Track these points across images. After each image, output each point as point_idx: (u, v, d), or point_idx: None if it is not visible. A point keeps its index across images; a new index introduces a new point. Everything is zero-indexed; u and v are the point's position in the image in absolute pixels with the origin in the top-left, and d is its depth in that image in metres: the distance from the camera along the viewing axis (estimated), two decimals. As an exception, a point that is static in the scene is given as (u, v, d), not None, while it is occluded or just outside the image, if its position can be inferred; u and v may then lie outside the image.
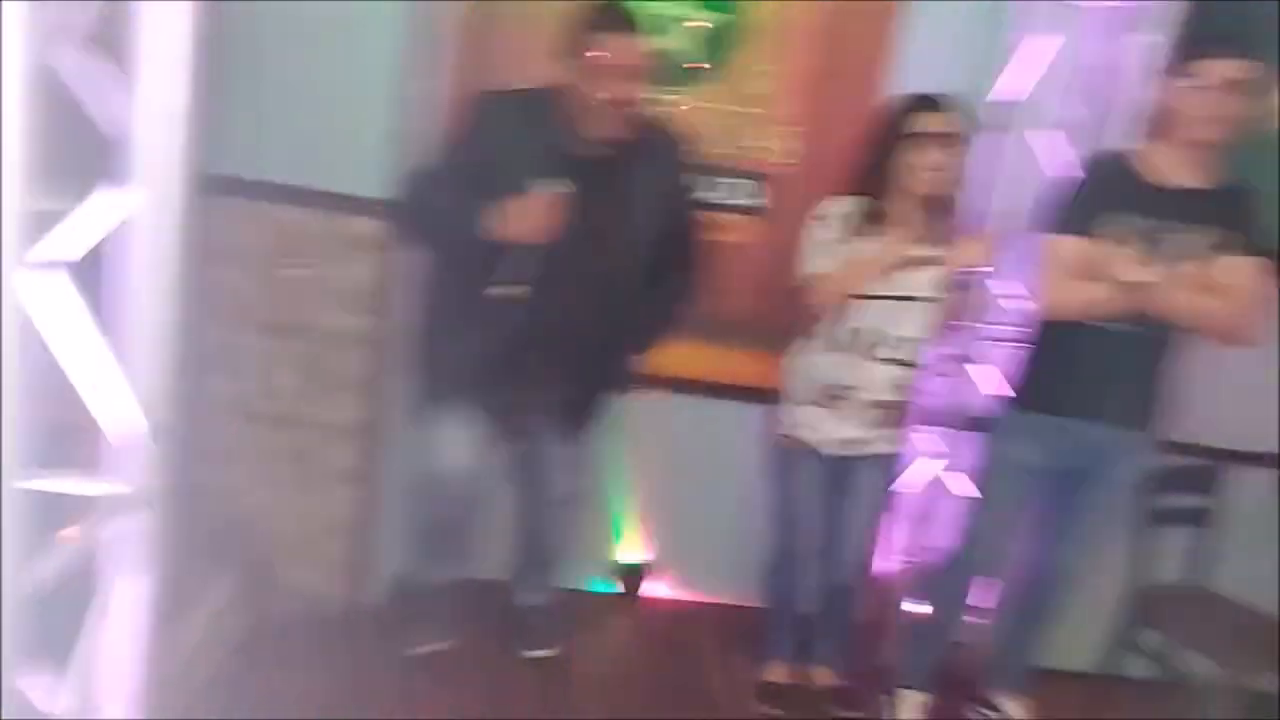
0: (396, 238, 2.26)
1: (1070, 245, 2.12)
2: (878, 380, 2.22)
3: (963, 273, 2.14)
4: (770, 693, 2.51)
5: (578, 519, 2.51)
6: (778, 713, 2.47)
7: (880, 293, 2.15)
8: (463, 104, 2.06)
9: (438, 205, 2.03)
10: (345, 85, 2.23)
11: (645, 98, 2.03)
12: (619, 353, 2.24)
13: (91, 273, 1.04)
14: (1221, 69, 1.96)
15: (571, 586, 2.65)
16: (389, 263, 2.37)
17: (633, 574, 2.88)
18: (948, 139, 2.06)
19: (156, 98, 0.99)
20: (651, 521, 2.83)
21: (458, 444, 2.22)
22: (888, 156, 2.11)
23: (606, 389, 2.29)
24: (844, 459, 2.29)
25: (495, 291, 1.97)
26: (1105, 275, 2.06)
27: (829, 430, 2.26)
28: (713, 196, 2.55)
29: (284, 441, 2.41)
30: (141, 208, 1.03)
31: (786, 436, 2.30)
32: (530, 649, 2.50)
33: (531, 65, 2.35)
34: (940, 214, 2.17)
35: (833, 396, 2.23)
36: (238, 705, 2.04)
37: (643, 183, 2.06)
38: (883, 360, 2.20)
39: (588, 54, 1.89)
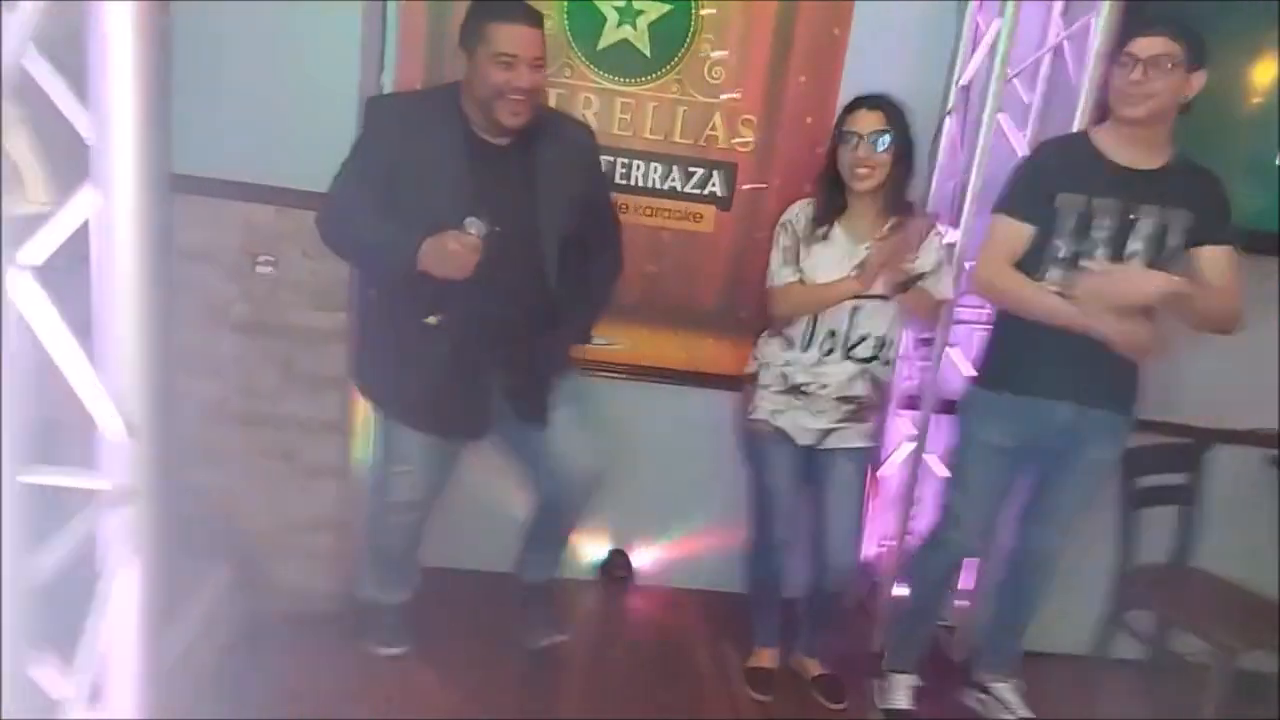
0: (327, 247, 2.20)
1: (1012, 228, 2.14)
2: (844, 376, 2.24)
3: (893, 273, 2.15)
4: (758, 678, 2.50)
5: (585, 496, 2.40)
6: (765, 698, 2.46)
7: None
8: (364, 110, 2.08)
9: (355, 228, 2.01)
10: (309, 84, 2.26)
11: (544, 86, 2.04)
12: (554, 345, 2.21)
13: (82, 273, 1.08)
14: (1147, 45, 2.00)
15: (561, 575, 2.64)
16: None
17: (617, 562, 2.88)
18: (876, 137, 2.11)
19: (114, 100, 1.02)
20: (632, 509, 2.83)
21: (413, 460, 2.21)
22: (835, 157, 2.18)
23: (553, 372, 2.24)
24: (818, 450, 2.31)
25: (427, 320, 2.01)
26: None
27: (802, 420, 2.28)
28: (677, 186, 2.59)
29: (264, 439, 2.43)
30: (105, 208, 1.05)
31: (759, 422, 2.31)
32: (532, 640, 2.48)
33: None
34: (892, 210, 2.20)
35: (803, 393, 2.26)
36: (229, 701, 2.04)
37: (556, 168, 2.05)
38: (848, 357, 2.24)
39: (490, 44, 1.89)
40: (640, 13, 2.46)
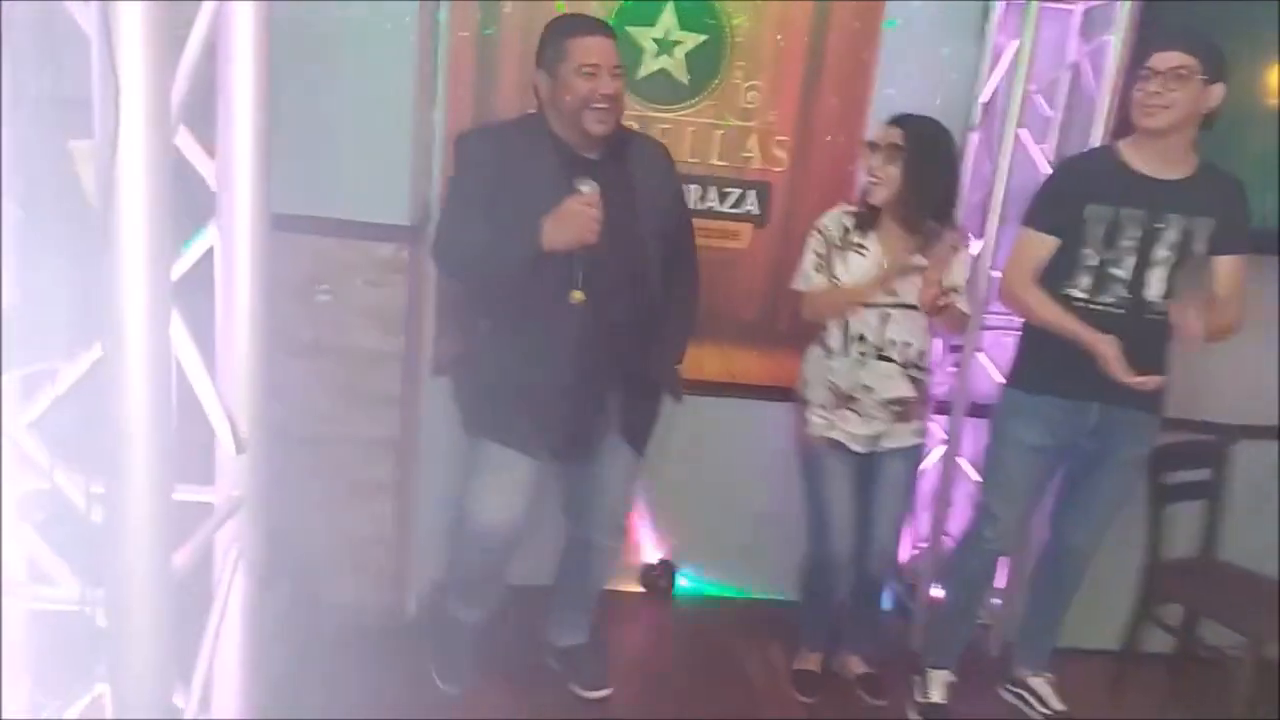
0: (450, 278, 2.36)
1: (1037, 240, 2.24)
2: (888, 380, 2.31)
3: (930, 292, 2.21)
4: (805, 681, 2.60)
5: (621, 541, 2.51)
6: (811, 700, 2.56)
7: (875, 302, 2.27)
8: (453, 148, 2.14)
9: (473, 246, 2.04)
10: (361, 121, 2.35)
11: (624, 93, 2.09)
12: (662, 359, 2.26)
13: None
14: (1164, 59, 2.09)
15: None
16: (414, 285, 2.52)
17: (659, 572, 2.98)
18: (889, 150, 2.21)
19: (236, 153, 1.14)
20: (675, 519, 2.94)
21: (507, 487, 2.20)
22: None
23: (658, 397, 2.30)
24: (870, 454, 2.39)
25: (571, 299, 2.02)
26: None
27: (854, 428, 2.35)
28: (715, 205, 2.70)
29: (323, 458, 2.54)
30: (226, 245, 1.17)
31: (815, 437, 2.38)
32: (585, 688, 2.47)
33: (532, 94, 2.56)
34: (911, 227, 2.26)
35: (851, 398, 2.33)
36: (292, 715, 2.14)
37: (644, 181, 2.13)
38: (888, 361, 2.30)
39: (572, 58, 1.97)
40: (677, 43, 2.58)
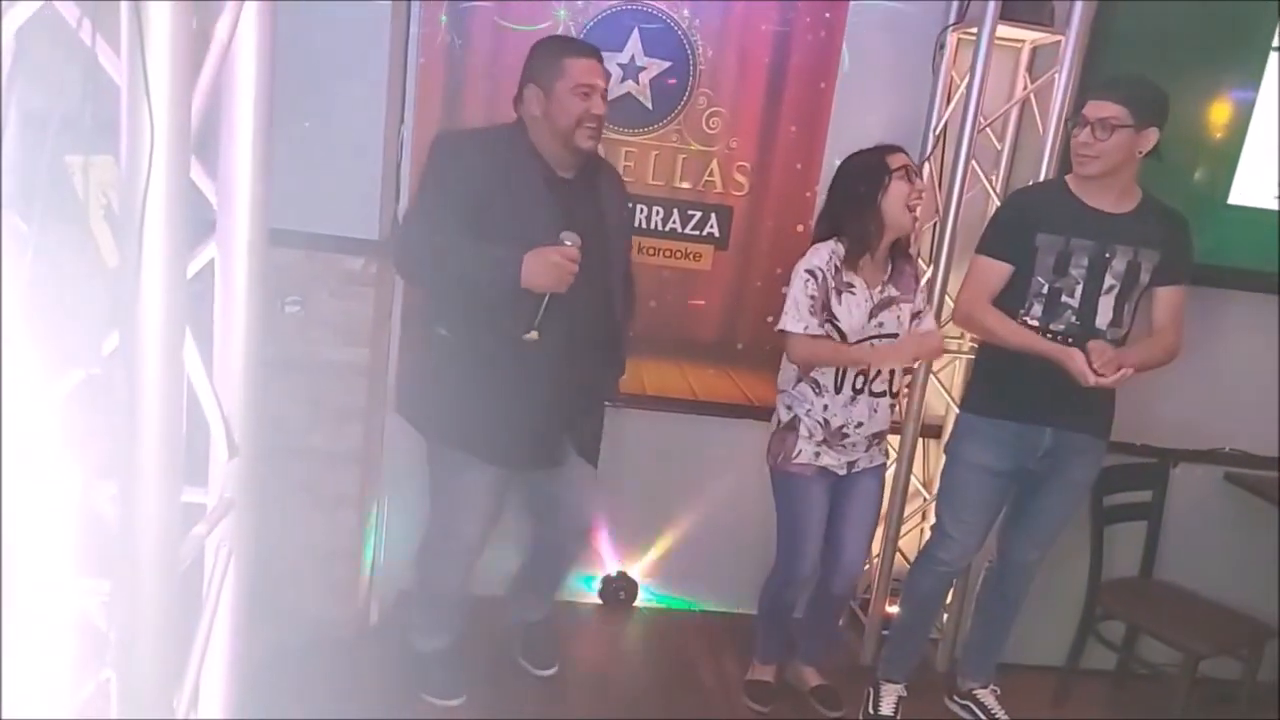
0: (404, 279, 2.41)
1: (991, 267, 2.32)
2: (876, 415, 2.37)
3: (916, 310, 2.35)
4: (759, 691, 2.65)
5: (587, 543, 2.61)
6: (765, 709, 2.61)
7: (864, 336, 2.30)
8: (429, 148, 2.14)
9: (441, 255, 2.05)
10: (330, 135, 2.38)
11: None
12: (612, 371, 2.36)
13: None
14: (1096, 109, 2.19)
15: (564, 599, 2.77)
16: (381, 298, 2.56)
17: (618, 584, 3.02)
18: (916, 175, 2.27)
19: (236, 175, 1.21)
20: (632, 532, 2.99)
21: (479, 501, 2.26)
22: (876, 195, 2.25)
23: (602, 411, 2.41)
24: (848, 475, 2.43)
25: (525, 337, 2.05)
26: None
27: (840, 456, 2.39)
28: (677, 228, 2.77)
29: (287, 470, 2.55)
30: (226, 259, 1.23)
31: (802, 465, 2.39)
32: (536, 667, 2.60)
33: (500, 110, 2.61)
34: (898, 253, 2.35)
35: (842, 434, 2.36)
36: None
37: (608, 203, 2.24)
38: (873, 394, 2.34)
39: (569, 77, 2.05)
40: (642, 69, 2.65)
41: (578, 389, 2.23)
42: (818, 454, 2.38)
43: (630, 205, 2.42)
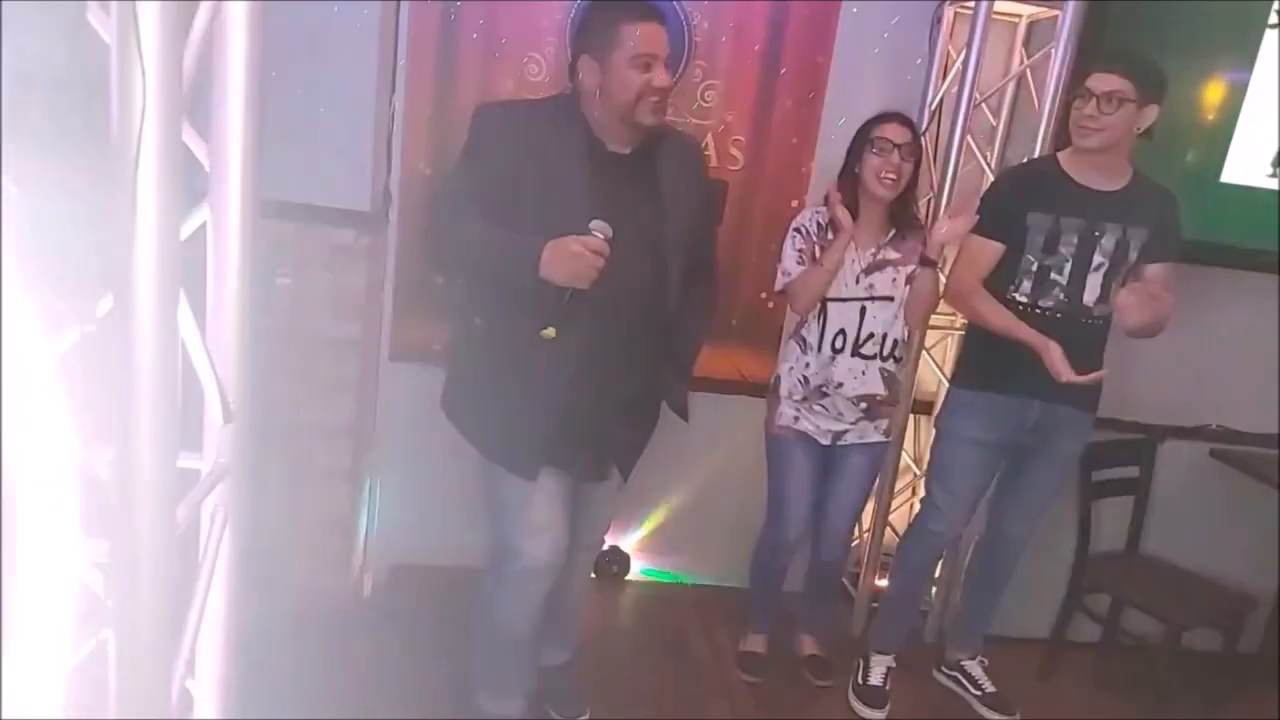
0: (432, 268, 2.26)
1: (983, 245, 2.33)
2: (859, 376, 2.39)
3: (921, 255, 2.34)
4: (750, 662, 2.69)
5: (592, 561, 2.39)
6: (757, 680, 2.64)
7: (850, 295, 2.35)
8: (473, 119, 1.90)
9: (470, 240, 1.84)
10: (322, 106, 2.36)
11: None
12: (668, 378, 2.07)
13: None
14: (1102, 81, 2.18)
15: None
16: (373, 270, 2.54)
17: (613, 559, 3.04)
18: (903, 148, 2.28)
19: (229, 134, 1.19)
20: (627, 506, 2.98)
21: (523, 514, 1.97)
22: (856, 165, 2.33)
23: (652, 427, 2.13)
24: (836, 446, 2.47)
25: (542, 333, 1.80)
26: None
27: (821, 422, 2.43)
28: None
29: (280, 443, 2.55)
30: (219, 222, 1.22)
31: (784, 429, 2.45)
32: (565, 714, 2.32)
33: (493, 81, 2.59)
34: (901, 218, 2.38)
35: (822, 393, 2.41)
36: (244, 699, 2.15)
37: (672, 185, 1.94)
38: (861, 357, 2.38)
39: (626, 46, 1.79)
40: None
41: (613, 395, 1.97)
42: (796, 417, 2.43)
43: (707, 184, 2.11)
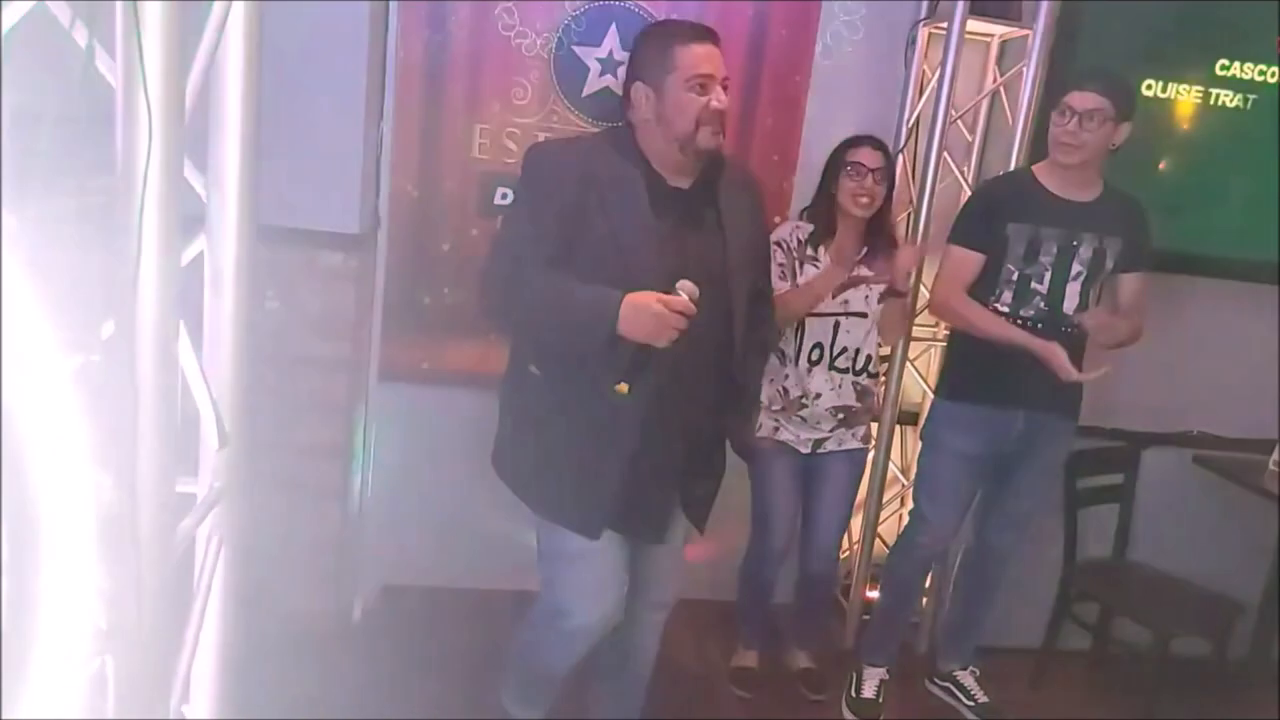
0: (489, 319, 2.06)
1: (965, 256, 2.37)
2: (832, 386, 2.45)
3: (890, 286, 2.40)
4: (743, 678, 2.70)
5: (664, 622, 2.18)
6: (748, 695, 2.65)
7: (825, 310, 2.40)
8: (524, 161, 1.83)
9: (534, 291, 1.74)
10: (311, 129, 2.37)
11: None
12: (734, 419, 2.02)
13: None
14: (1082, 100, 2.24)
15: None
16: (361, 292, 2.56)
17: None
18: (875, 172, 2.35)
19: (226, 168, 1.22)
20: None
21: (603, 578, 1.89)
22: (831, 185, 2.40)
23: (720, 475, 2.03)
24: (816, 455, 2.51)
25: (615, 388, 1.70)
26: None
27: (802, 432, 2.48)
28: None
29: (269, 464, 2.55)
30: (215, 250, 1.24)
31: (763, 439, 2.48)
32: None
33: (480, 105, 2.62)
34: (875, 236, 2.44)
35: (801, 404, 2.45)
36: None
37: (733, 219, 1.86)
38: (838, 370, 2.44)
39: (681, 68, 1.74)
40: (620, 63, 2.67)
41: (685, 448, 1.89)
42: (776, 427, 2.47)
43: (763, 214, 2.03)
